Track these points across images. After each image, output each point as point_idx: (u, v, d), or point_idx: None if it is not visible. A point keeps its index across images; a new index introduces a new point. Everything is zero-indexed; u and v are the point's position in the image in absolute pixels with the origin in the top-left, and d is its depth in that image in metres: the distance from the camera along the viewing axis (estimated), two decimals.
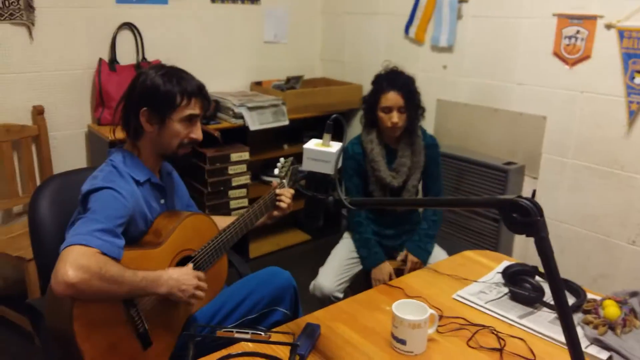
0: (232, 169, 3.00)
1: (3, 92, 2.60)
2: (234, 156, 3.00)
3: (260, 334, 1.07)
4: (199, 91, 1.45)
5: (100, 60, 2.82)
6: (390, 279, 2.15)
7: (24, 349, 2.39)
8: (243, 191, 3.09)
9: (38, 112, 2.66)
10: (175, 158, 1.49)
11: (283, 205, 1.68)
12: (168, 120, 1.41)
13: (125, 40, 2.94)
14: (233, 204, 3.06)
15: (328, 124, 1.19)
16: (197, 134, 1.47)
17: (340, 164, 1.18)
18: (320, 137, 1.21)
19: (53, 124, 2.75)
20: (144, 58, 2.98)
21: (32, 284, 2.27)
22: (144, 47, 2.99)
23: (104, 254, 1.21)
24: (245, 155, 3.04)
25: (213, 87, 3.30)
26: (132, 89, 1.43)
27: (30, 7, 2.58)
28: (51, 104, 2.73)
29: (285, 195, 1.69)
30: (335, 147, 1.19)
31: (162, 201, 1.54)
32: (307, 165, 1.19)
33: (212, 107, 3.04)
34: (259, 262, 3.27)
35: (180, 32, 3.15)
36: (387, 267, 2.19)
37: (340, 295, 2.18)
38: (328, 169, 1.17)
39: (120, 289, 1.22)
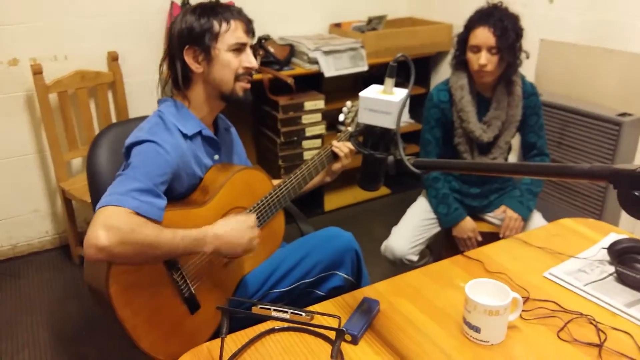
0: (306, 119, 2.84)
1: (77, 39, 2.59)
2: (308, 105, 2.83)
3: (301, 314, 0.92)
4: (237, 13, 1.34)
5: (172, 2, 2.72)
6: (477, 239, 1.99)
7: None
8: (317, 142, 2.93)
9: (112, 58, 2.64)
10: (237, 99, 1.36)
11: (341, 153, 1.53)
12: (214, 51, 1.30)
13: None
14: (307, 155, 2.91)
15: (391, 65, 0.97)
16: (250, 61, 1.35)
17: (404, 116, 0.96)
18: (396, 84, 0.99)
19: (128, 70, 2.71)
20: None
21: None
22: None
23: (141, 215, 1.11)
24: (320, 104, 2.86)
25: (289, 30, 3.13)
26: (171, 37, 1.35)
27: None
28: (125, 50, 2.69)
29: (345, 145, 1.53)
30: (399, 95, 0.96)
31: (216, 157, 1.42)
32: (364, 118, 0.98)
33: (286, 52, 2.87)
34: (334, 216, 3.15)
35: None
36: (469, 223, 2.00)
37: (414, 258, 2.00)
38: (389, 123, 0.96)
39: (157, 251, 1.12)
